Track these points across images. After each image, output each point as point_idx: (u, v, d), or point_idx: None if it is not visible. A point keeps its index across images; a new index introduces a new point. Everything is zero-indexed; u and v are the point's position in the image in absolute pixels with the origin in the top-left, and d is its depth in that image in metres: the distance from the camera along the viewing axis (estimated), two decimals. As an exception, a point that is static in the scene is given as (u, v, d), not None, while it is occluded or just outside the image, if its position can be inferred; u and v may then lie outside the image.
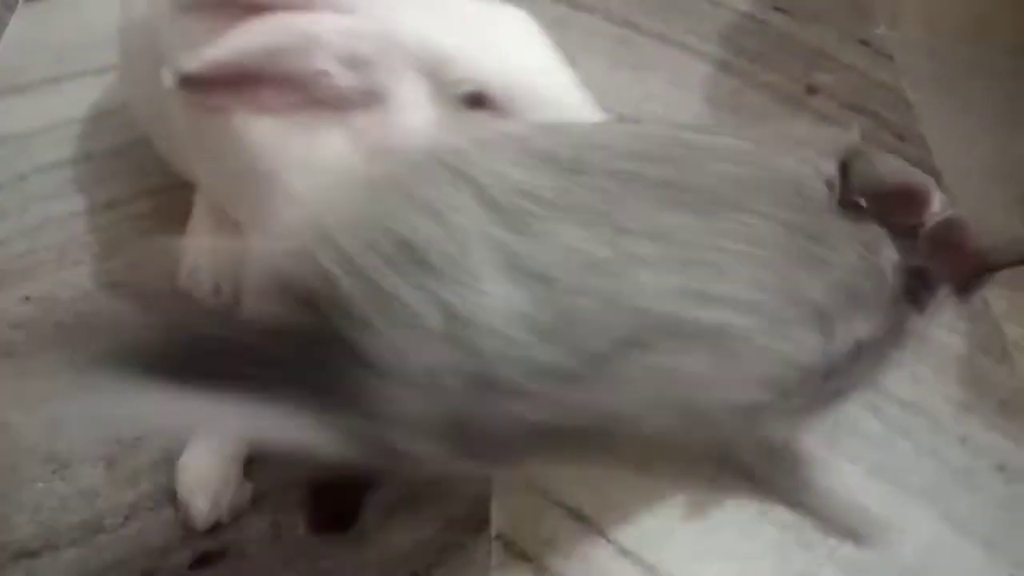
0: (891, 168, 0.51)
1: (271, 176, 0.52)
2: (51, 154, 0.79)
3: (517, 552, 0.61)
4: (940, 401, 0.74)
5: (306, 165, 0.51)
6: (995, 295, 0.82)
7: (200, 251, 0.70)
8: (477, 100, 0.50)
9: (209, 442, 0.59)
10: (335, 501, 0.52)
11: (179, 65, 0.46)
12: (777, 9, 1.04)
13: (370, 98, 0.50)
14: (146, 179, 0.78)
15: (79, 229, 0.75)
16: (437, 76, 0.50)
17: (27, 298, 0.70)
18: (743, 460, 0.52)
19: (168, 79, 0.46)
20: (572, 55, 0.93)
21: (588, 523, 0.63)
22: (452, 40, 0.50)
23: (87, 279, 0.72)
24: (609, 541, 0.62)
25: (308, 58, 0.48)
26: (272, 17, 0.48)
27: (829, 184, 0.46)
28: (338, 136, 0.50)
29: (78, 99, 0.84)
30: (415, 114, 0.50)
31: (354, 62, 0.49)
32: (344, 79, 0.49)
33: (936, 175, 0.90)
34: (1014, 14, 1.09)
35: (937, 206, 0.51)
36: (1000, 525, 0.67)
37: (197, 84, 0.47)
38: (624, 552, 0.62)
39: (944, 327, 0.79)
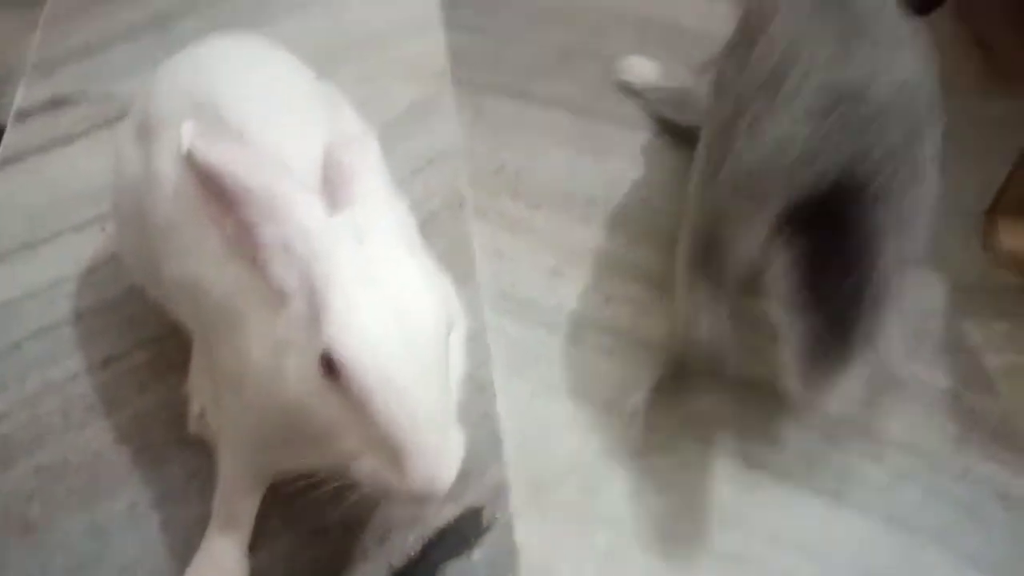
0: None
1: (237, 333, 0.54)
2: (42, 318, 0.80)
3: None
4: (936, 439, 0.77)
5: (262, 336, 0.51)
6: (969, 327, 0.86)
7: (204, 396, 0.71)
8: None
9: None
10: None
11: (185, 140, 0.50)
12: (719, 77, 1.10)
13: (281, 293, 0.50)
14: (140, 331, 0.79)
15: (80, 390, 0.75)
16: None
17: (37, 469, 0.70)
18: None
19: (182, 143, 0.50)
20: (536, 148, 0.99)
21: None
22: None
23: (95, 440, 0.72)
24: None
25: (258, 211, 0.50)
26: (259, 163, 0.51)
27: None
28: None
29: (60, 259, 0.85)
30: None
31: (287, 252, 0.50)
32: (274, 257, 0.50)
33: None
34: (941, 55, 1.16)
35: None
36: (1006, 556, 0.69)
37: (191, 165, 0.50)
38: None
39: (927, 365, 0.82)
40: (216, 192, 0.50)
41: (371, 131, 0.55)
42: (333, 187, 0.52)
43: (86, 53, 1.06)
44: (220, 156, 0.51)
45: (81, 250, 0.85)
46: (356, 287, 0.47)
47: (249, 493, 0.63)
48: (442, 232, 0.90)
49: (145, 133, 0.64)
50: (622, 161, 0.99)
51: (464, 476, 0.71)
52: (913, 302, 0.87)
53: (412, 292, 0.48)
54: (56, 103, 1.00)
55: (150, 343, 0.78)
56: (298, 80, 0.66)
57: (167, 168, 0.59)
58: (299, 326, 0.48)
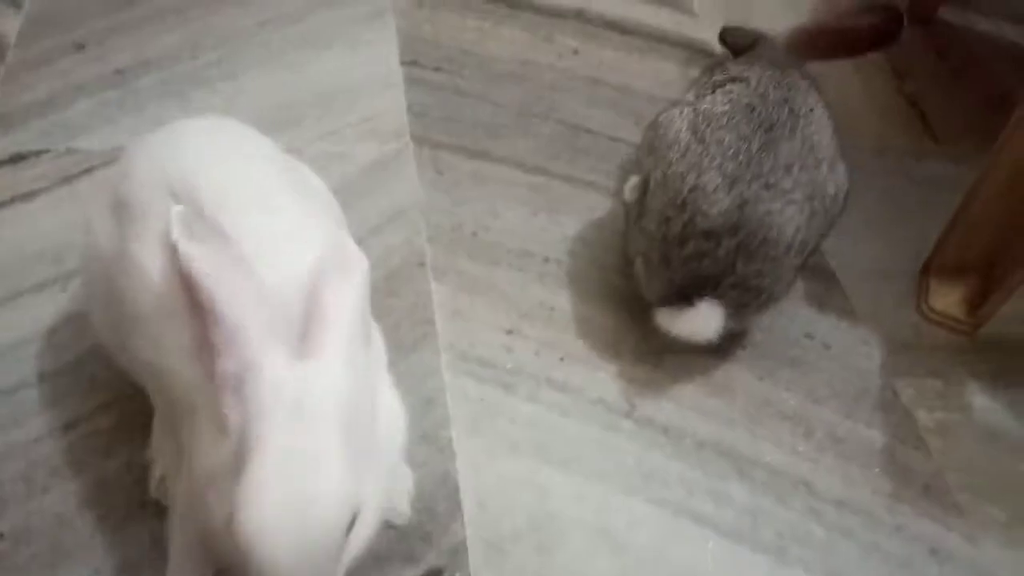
0: None
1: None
2: (3, 380, 0.80)
3: None
4: (871, 496, 0.81)
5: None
6: (902, 384, 0.91)
7: (166, 459, 0.72)
8: None
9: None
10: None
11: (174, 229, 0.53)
12: (669, 137, 1.15)
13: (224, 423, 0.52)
14: (102, 393, 0.80)
15: (43, 454, 0.76)
16: None
17: (1, 535, 0.70)
18: None
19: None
20: (494, 207, 1.02)
21: None
22: None
23: (58, 505, 0.73)
24: None
25: (224, 340, 0.51)
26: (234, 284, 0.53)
27: None
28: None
29: (20, 319, 0.85)
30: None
31: (236, 391, 0.52)
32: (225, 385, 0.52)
33: (831, 277, 1.01)
34: (876, 116, 1.23)
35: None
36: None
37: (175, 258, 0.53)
38: None
39: (862, 422, 0.87)
40: (192, 297, 0.52)
41: (361, 258, 0.57)
42: (307, 324, 0.53)
43: (47, 108, 1.07)
44: (202, 267, 0.52)
45: (42, 310, 0.86)
46: (274, 467, 0.49)
47: (197, 571, 0.63)
48: (403, 291, 0.92)
49: (121, 213, 0.65)
50: (574, 220, 1.03)
51: (425, 537, 0.74)
52: (850, 362, 0.92)
53: (325, 484, 0.50)
54: (16, 159, 1.00)
55: (113, 404, 0.79)
56: (278, 174, 0.67)
57: (143, 258, 0.60)
58: (226, 467, 0.51)
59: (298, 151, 1.04)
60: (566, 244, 1.00)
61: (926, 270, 1.01)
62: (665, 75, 1.25)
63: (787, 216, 0.78)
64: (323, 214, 0.67)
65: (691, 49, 1.30)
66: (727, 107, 0.82)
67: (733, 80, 0.85)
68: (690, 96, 0.90)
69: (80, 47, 1.15)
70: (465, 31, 1.27)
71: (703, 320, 0.81)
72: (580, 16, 1.33)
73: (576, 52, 1.26)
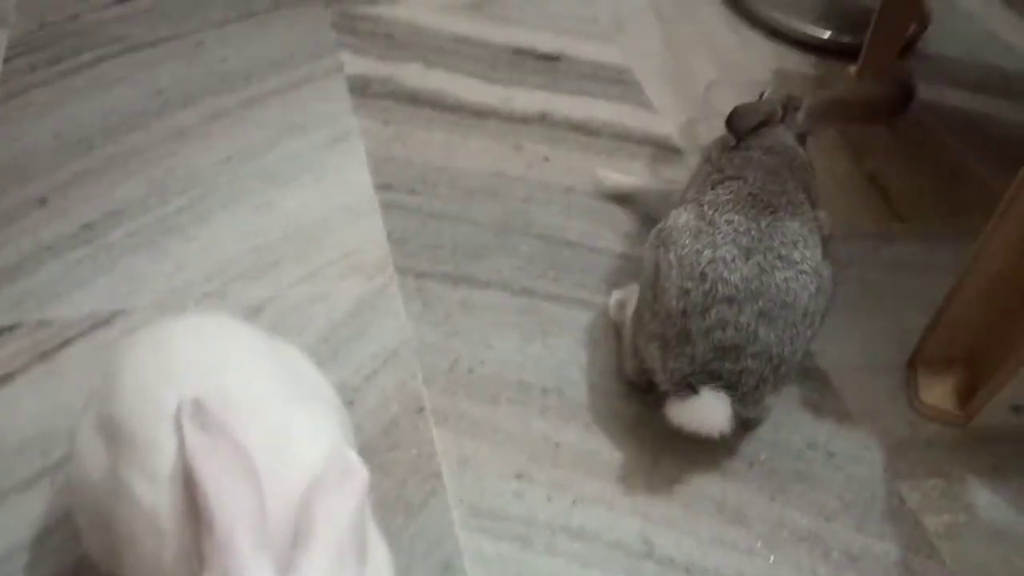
0: None
1: None
2: (-5, 594, 0.76)
3: None
4: (894, 614, 0.82)
5: None
6: (906, 488, 0.92)
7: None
8: None
9: None
10: None
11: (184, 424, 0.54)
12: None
13: None
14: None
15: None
16: None
17: None
18: None
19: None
20: (486, 337, 1.01)
21: None
22: None
23: None
24: None
25: (211, 549, 0.50)
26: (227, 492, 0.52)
27: None
28: None
29: (10, 524, 0.80)
30: None
31: None
32: None
33: (824, 378, 1.02)
34: (841, 197, 1.26)
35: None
36: None
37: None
38: None
39: (875, 535, 0.88)
40: (190, 492, 0.52)
41: (360, 470, 0.55)
42: (296, 537, 0.52)
43: (15, 274, 1.03)
44: (205, 466, 0.52)
45: (32, 511, 0.81)
46: None
47: None
48: (404, 443, 0.91)
49: (111, 434, 0.62)
50: (568, 343, 1.02)
51: None
52: (855, 470, 0.93)
53: None
54: (-13, 337, 0.96)
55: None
56: (275, 378, 0.65)
57: (139, 490, 0.57)
58: None
59: (280, 298, 1.03)
60: (563, 371, 0.99)
61: (912, 364, 1.03)
62: (634, 175, 1.26)
63: (801, 283, 0.83)
64: (323, 416, 0.65)
65: (656, 145, 1.32)
66: (730, 196, 0.88)
67: (730, 178, 0.91)
68: (690, 194, 0.94)
69: (42, 202, 1.12)
70: (434, 146, 1.27)
71: (712, 408, 0.82)
72: (545, 120, 1.34)
73: (546, 159, 1.27)
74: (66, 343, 0.96)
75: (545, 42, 1.50)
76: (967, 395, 0.98)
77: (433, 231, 1.14)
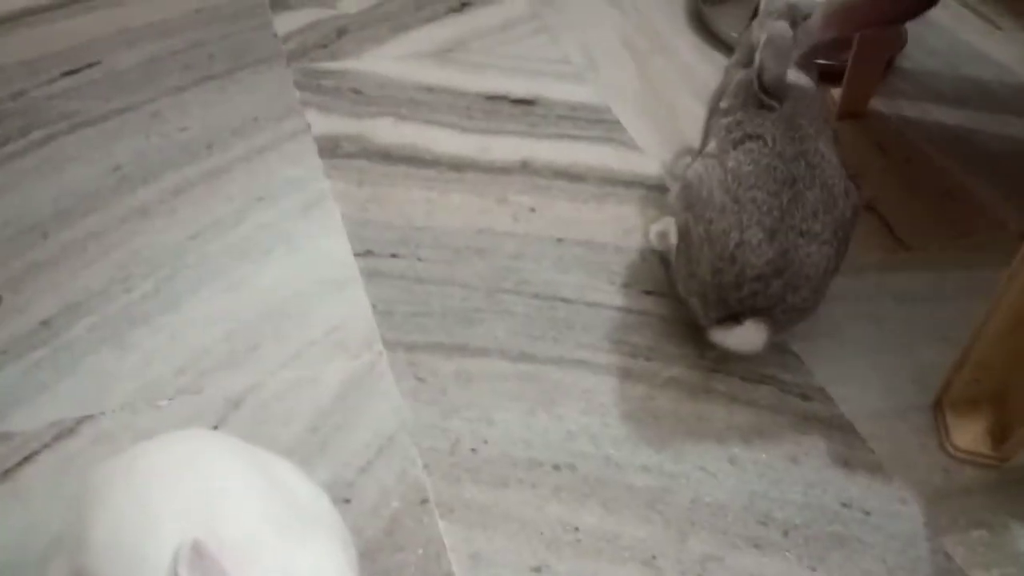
0: None
1: None
2: None
3: None
4: None
5: None
6: (950, 543, 0.86)
7: None
8: None
9: None
10: None
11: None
12: (647, 293, 1.10)
13: None
14: None
15: None
16: None
17: None
18: None
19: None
20: (487, 412, 0.94)
21: None
22: None
23: None
24: None
25: None
26: None
27: None
28: None
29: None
30: None
31: None
32: None
33: (849, 429, 0.96)
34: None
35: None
36: None
37: None
38: None
39: (928, 599, 0.81)
40: None
41: None
42: None
43: (-30, 383, 0.94)
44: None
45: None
46: None
47: None
48: (410, 542, 0.83)
49: None
50: (576, 411, 0.96)
51: None
52: (895, 528, 0.87)
53: None
54: (-58, 457, 0.87)
55: None
56: (266, 504, 0.58)
57: None
58: None
59: (261, 387, 0.95)
60: (573, 444, 0.92)
61: (939, 405, 0.97)
62: (626, 221, 1.20)
63: (823, 254, 0.91)
64: (326, 553, 0.58)
65: (644, 186, 1.26)
66: (751, 167, 0.92)
67: (750, 137, 0.94)
68: (711, 146, 0.99)
69: (-4, 298, 1.03)
70: (413, 205, 1.21)
71: (752, 335, 0.94)
72: (527, 169, 1.28)
73: (533, 210, 1.21)
74: (29, 458, 0.87)
75: (518, 86, 1.45)
76: (1001, 435, 0.93)
77: (420, 298, 1.07)
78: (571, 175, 1.28)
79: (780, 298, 0.92)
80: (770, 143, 0.93)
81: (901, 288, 1.14)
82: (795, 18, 1.05)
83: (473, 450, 0.91)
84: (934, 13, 1.72)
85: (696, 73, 1.52)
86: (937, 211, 1.27)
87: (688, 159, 1.27)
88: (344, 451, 0.90)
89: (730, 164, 0.93)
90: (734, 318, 0.94)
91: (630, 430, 0.94)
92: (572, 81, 1.47)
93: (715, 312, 0.95)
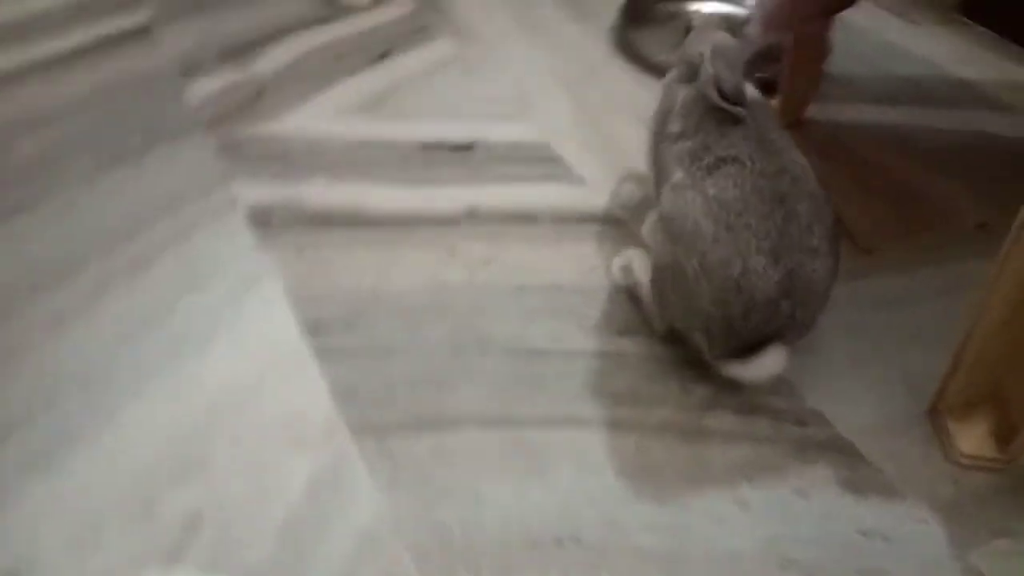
0: None
1: None
2: None
3: None
4: None
5: None
6: (976, 557, 0.82)
7: None
8: None
9: None
10: None
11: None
12: (620, 334, 1.04)
13: None
14: None
15: None
16: None
17: None
18: None
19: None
20: (474, 490, 0.87)
21: None
22: None
23: None
24: None
25: None
26: None
27: None
28: None
29: None
30: None
31: None
32: None
33: (849, 448, 0.92)
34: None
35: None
36: None
37: None
38: None
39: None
40: None
41: None
42: None
43: None
44: None
45: None
46: None
47: None
48: (411, 653, 0.74)
49: None
50: (571, 474, 0.89)
51: None
52: (918, 550, 0.82)
53: None
54: None
55: None
56: None
57: None
58: None
59: (219, 502, 0.85)
60: (574, 511, 0.85)
61: (935, 412, 0.94)
62: (586, 260, 1.15)
63: (826, 266, 0.89)
64: None
65: (597, 221, 1.22)
66: (736, 191, 0.88)
67: (724, 161, 0.90)
68: (678, 175, 0.94)
69: (-102, 439, 0.91)
70: (360, 270, 1.13)
71: (772, 362, 0.90)
72: (475, 216, 1.22)
73: (487, 261, 1.15)
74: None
75: (454, 131, 1.39)
76: (1006, 436, 0.90)
77: (382, 372, 0.99)
78: (521, 218, 1.22)
79: (790, 318, 0.88)
80: (748, 163, 0.89)
81: (873, 294, 1.11)
82: (732, 28, 1.03)
83: (464, 536, 0.83)
84: (851, 15, 1.74)
85: (631, 99, 1.49)
86: (892, 211, 1.25)
87: (631, 185, 1.23)
88: (322, 561, 0.80)
89: (711, 192, 0.89)
90: (745, 348, 0.90)
91: (629, 487, 0.87)
92: (508, 121, 1.42)
93: (723, 345, 0.91)
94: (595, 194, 1.26)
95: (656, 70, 1.55)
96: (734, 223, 0.87)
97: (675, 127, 0.98)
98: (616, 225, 1.21)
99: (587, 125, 1.42)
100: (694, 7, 1.73)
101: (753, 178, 0.88)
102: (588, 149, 1.36)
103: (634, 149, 1.34)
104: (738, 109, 0.92)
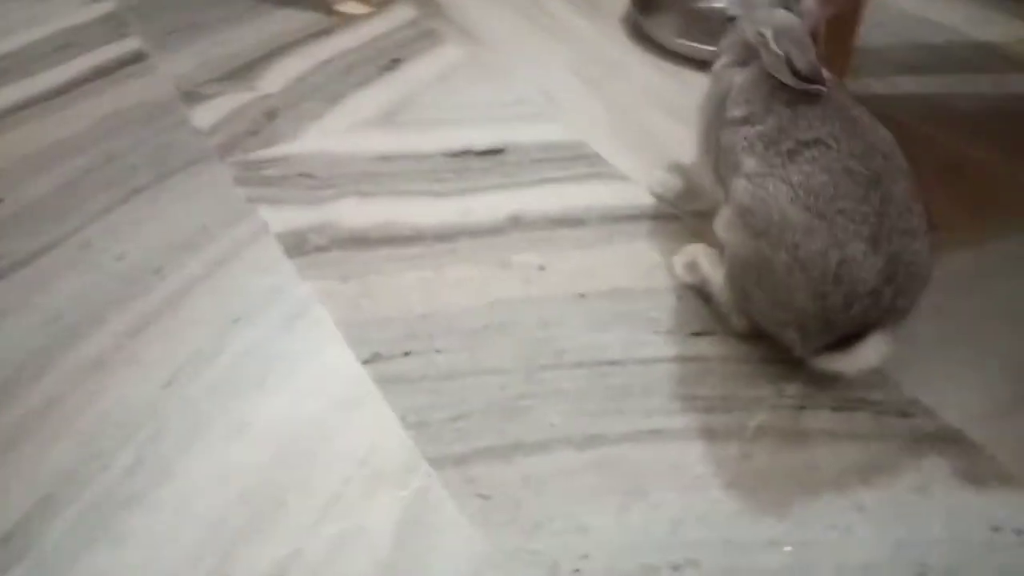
0: None
1: None
2: None
3: None
4: None
5: None
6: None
7: None
8: None
9: None
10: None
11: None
12: (696, 335, 0.98)
13: None
14: None
15: None
16: None
17: None
18: None
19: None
20: (574, 518, 0.80)
21: None
22: None
23: None
24: None
25: None
26: None
27: None
28: None
29: None
30: None
31: None
32: None
33: (961, 437, 0.86)
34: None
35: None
36: None
37: None
38: None
39: None
40: None
41: None
42: None
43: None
44: None
45: None
46: None
47: None
48: None
49: None
50: (673, 492, 0.82)
51: None
52: None
53: None
54: None
55: None
56: None
57: None
58: None
59: (302, 552, 0.78)
60: (684, 534, 0.79)
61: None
62: (644, 259, 1.09)
63: (926, 247, 0.84)
64: None
65: (648, 217, 1.16)
66: (825, 176, 0.82)
67: (807, 145, 0.85)
68: (749, 164, 0.88)
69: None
70: (409, 290, 1.06)
71: (874, 352, 0.84)
72: (519, 223, 1.16)
73: (542, 268, 1.09)
74: None
75: (480, 137, 1.33)
76: None
77: (452, 397, 0.92)
78: (569, 221, 1.16)
79: (891, 306, 0.83)
80: (833, 144, 0.83)
81: (947, 273, 1.05)
82: (787, 4, 0.97)
83: (576, 571, 0.76)
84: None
85: (657, 89, 1.43)
86: (946, 184, 1.20)
87: (668, 174, 1.17)
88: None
89: (795, 178, 0.83)
90: (843, 339, 0.85)
91: (740, 501, 0.81)
92: (536, 121, 1.36)
93: (819, 339, 0.86)
94: (640, 189, 1.21)
95: (674, 55, 1.50)
96: (826, 210, 0.81)
97: (738, 112, 0.92)
98: (669, 220, 1.15)
99: (619, 119, 1.36)
100: (705, -9, 1.69)
101: (842, 160, 0.83)
102: (625, 144, 1.30)
103: (672, 140, 1.29)
104: (817, 87, 0.86)
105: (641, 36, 1.57)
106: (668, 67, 1.48)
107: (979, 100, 1.38)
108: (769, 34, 0.90)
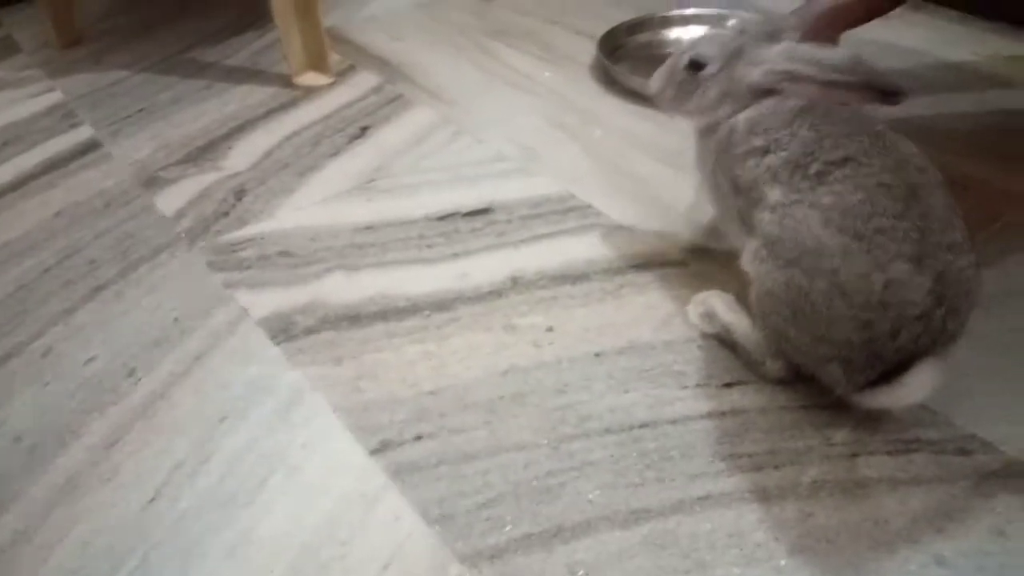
0: None
1: None
2: None
3: None
4: None
5: None
6: None
7: None
8: None
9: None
10: None
11: None
12: (728, 385, 0.92)
13: None
14: None
15: None
16: None
17: None
18: None
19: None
20: None
21: None
22: None
23: None
24: None
25: None
26: None
27: None
28: None
29: None
30: None
31: None
32: None
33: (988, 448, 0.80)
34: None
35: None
36: None
37: None
38: None
39: None
40: None
41: None
42: None
43: None
44: None
45: None
46: None
47: None
48: None
49: None
50: (735, 567, 0.74)
51: None
52: None
53: None
54: None
55: None
56: None
57: None
58: None
59: None
60: (753, 610, 0.71)
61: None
62: (658, 310, 1.03)
63: (971, 263, 0.78)
64: None
65: (653, 265, 1.10)
66: (860, 195, 0.77)
67: (836, 164, 0.79)
68: (775, 194, 0.83)
69: None
70: (412, 367, 0.98)
71: (924, 383, 0.78)
72: (518, 285, 1.09)
73: (550, 329, 1.01)
74: None
75: (465, 197, 1.26)
76: None
77: (476, 482, 0.83)
78: (571, 277, 1.09)
79: (941, 330, 0.77)
80: (864, 160, 0.79)
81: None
82: (774, 34, 0.94)
83: (643, 669, 0.67)
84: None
85: (635, 132, 1.39)
86: (962, 206, 1.17)
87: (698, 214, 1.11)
88: None
89: (826, 200, 0.78)
90: (887, 372, 0.78)
91: (811, 567, 0.73)
92: (519, 176, 1.31)
93: (866, 374, 0.79)
94: (639, 236, 1.15)
95: (648, 100, 1.46)
96: (863, 230, 0.76)
97: (758, 142, 0.87)
98: (677, 266, 1.09)
99: (603, 167, 1.31)
100: (672, 35, 1.68)
101: (876, 175, 0.78)
102: (614, 191, 1.25)
103: (659, 182, 1.25)
104: (904, 95, 0.80)
105: (611, 82, 1.54)
106: (642, 111, 1.45)
107: (968, 119, 1.37)
108: (786, 67, 0.86)
